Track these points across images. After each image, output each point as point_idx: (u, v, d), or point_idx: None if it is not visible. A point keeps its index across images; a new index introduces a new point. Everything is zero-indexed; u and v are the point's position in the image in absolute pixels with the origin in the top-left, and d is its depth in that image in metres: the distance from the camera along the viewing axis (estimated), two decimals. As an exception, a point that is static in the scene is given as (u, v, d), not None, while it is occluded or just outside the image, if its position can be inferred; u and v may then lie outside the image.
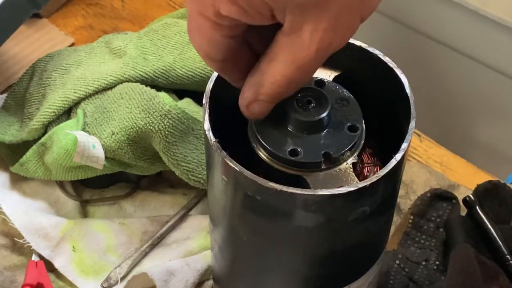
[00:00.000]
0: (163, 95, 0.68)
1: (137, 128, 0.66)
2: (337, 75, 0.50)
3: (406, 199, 0.72)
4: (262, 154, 0.45)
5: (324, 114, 0.45)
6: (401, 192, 0.72)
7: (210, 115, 0.45)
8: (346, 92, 0.47)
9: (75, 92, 0.70)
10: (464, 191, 0.71)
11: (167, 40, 0.75)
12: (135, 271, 0.67)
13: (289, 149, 0.44)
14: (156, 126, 0.65)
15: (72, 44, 0.88)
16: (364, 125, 0.47)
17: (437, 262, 0.66)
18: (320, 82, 0.47)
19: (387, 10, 1.12)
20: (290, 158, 0.44)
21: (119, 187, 0.74)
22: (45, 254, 0.67)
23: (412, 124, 0.45)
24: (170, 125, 0.66)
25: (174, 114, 0.66)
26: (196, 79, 0.72)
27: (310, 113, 0.45)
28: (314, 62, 0.39)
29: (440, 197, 0.70)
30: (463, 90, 1.12)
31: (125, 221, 0.70)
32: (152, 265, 0.67)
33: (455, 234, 0.65)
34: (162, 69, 0.72)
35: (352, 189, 0.42)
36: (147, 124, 0.66)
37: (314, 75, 0.49)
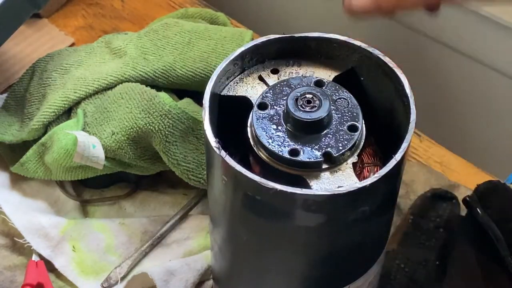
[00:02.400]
0: (163, 95, 0.68)
1: (137, 128, 0.66)
2: (337, 75, 0.50)
3: (406, 199, 0.72)
4: (262, 154, 0.45)
5: (324, 114, 0.45)
6: (401, 192, 0.72)
7: (210, 115, 0.45)
8: (346, 92, 0.47)
9: (75, 92, 0.70)
10: (464, 191, 0.71)
11: (167, 40, 0.75)
12: (135, 271, 0.67)
13: (289, 149, 0.44)
14: (156, 126, 0.65)
15: (72, 44, 0.88)
16: (364, 125, 0.47)
17: (437, 262, 0.66)
18: (320, 82, 0.48)
19: (387, 10, 1.12)
20: (290, 158, 0.44)
21: (119, 187, 0.74)
22: (45, 254, 0.67)
23: (412, 124, 0.45)
24: (170, 125, 0.66)
25: (174, 114, 0.66)
26: (196, 79, 0.72)
27: (310, 113, 0.45)
28: None
29: (440, 197, 0.70)
30: (463, 90, 1.12)
31: (125, 221, 0.70)
32: (152, 265, 0.67)
33: (455, 234, 0.65)
34: (162, 69, 0.72)
35: (352, 189, 0.42)
36: (147, 124, 0.66)
37: (314, 75, 0.49)
